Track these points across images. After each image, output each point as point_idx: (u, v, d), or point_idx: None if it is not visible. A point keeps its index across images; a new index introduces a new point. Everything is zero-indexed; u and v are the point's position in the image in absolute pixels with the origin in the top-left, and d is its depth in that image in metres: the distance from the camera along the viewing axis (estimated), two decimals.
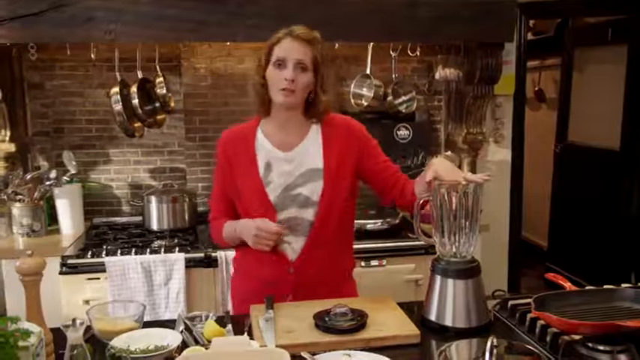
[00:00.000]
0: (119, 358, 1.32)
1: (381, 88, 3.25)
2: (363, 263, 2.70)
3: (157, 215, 3.05)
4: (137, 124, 3.06)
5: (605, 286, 1.66)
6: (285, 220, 1.79)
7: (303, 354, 1.36)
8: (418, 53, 3.27)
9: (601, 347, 1.35)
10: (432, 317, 1.60)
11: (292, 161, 1.81)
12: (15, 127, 3.00)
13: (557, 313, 1.43)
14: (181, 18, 2.67)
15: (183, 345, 1.48)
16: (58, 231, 2.96)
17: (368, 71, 3.20)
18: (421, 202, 1.70)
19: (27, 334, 1.26)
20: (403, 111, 3.27)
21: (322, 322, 1.54)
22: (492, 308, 1.69)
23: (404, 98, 3.29)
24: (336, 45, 3.00)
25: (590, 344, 1.37)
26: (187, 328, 1.58)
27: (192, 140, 3.27)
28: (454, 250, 1.62)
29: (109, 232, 3.04)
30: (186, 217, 3.09)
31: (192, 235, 2.98)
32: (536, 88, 5.64)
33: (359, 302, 1.67)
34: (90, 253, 2.64)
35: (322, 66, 1.77)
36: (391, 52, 3.21)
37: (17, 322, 1.29)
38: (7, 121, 2.94)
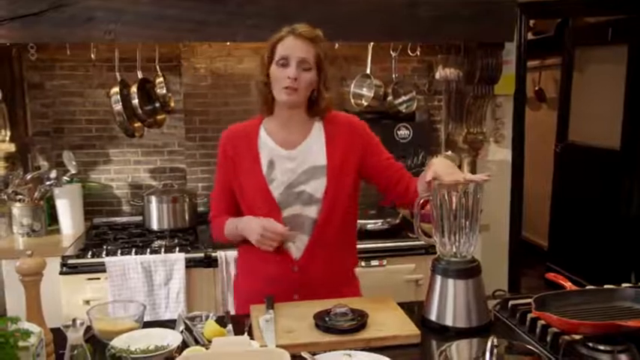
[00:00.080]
0: (119, 358, 1.32)
1: (381, 88, 3.25)
2: (363, 263, 2.70)
3: (157, 215, 3.05)
4: (137, 124, 3.06)
5: (606, 286, 1.66)
6: (289, 218, 1.79)
7: (304, 354, 1.36)
8: (418, 53, 3.27)
9: (601, 347, 1.35)
10: (433, 317, 1.60)
11: (295, 159, 1.81)
12: (15, 127, 3.00)
13: (557, 313, 1.43)
14: (181, 18, 2.67)
15: (184, 345, 1.48)
16: (58, 231, 2.96)
17: (368, 71, 3.20)
18: (421, 201, 1.70)
19: (27, 334, 1.26)
20: (403, 111, 3.27)
21: (322, 322, 1.54)
22: (493, 308, 1.69)
23: (404, 98, 3.29)
24: (336, 45, 3.00)
25: (590, 344, 1.36)
26: (187, 328, 1.58)
27: (192, 140, 3.27)
28: (454, 249, 1.62)
29: (109, 232, 3.04)
30: (187, 217, 3.09)
31: (192, 235, 2.98)
32: (537, 88, 5.64)
33: (359, 302, 1.67)
34: (90, 253, 2.64)
35: (325, 64, 1.77)
36: (391, 52, 3.21)
37: (17, 322, 1.29)
38: (7, 121, 2.94)
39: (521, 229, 3.80)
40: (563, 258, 4.84)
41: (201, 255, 2.67)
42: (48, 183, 2.90)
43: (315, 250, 1.81)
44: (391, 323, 1.58)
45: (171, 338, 1.47)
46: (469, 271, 1.60)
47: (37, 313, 1.42)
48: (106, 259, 2.57)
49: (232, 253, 2.59)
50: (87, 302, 2.54)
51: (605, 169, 4.35)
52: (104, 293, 2.57)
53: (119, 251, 2.65)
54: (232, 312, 2.00)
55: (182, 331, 1.56)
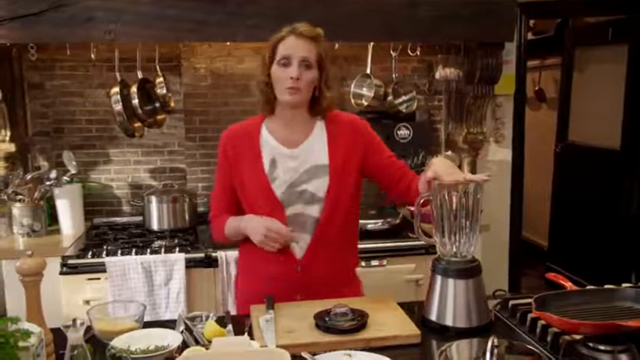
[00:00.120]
0: (119, 358, 1.32)
1: (381, 88, 3.25)
2: (363, 263, 2.69)
3: (157, 215, 3.05)
4: (137, 124, 3.06)
5: (606, 286, 1.66)
6: (291, 217, 1.79)
7: (304, 354, 1.36)
8: (418, 53, 3.26)
9: (602, 347, 1.35)
10: (433, 317, 1.60)
11: (297, 158, 1.81)
12: (15, 127, 3.00)
13: (557, 312, 1.43)
14: (181, 18, 2.67)
15: (184, 345, 1.48)
16: (58, 231, 2.96)
17: (368, 71, 3.20)
18: (421, 201, 1.70)
19: (27, 334, 1.26)
20: (403, 111, 3.27)
21: (323, 322, 1.54)
22: (493, 308, 1.69)
23: (404, 98, 3.29)
24: (336, 45, 3.00)
25: (590, 344, 1.36)
26: (188, 329, 1.58)
27: (192, 140, 3.27)
28: (455, 249, 1.62)
29: (110, 233, 3.04)
30: (187, 217, 3.09)
31: (192, 235, 2.98)
32: (537, 88, 5.64)
33: (359, 302, 1.67)
34: (90, 253, 2.64)
35: (326, 62, 1.78)
36: (391, 52, 3.21)
37: (17, 322, 1.29)
38: (7, 121, 2.94)
39: (521, 229, 3.80)
40: (564, 258, 4.84)
41: (202, 255, 2.67)
42: (48, 183, 2.90)
43: (317, 250, 1.81)
44: (391, 323, 1.58)
45: (171, 338, 1.47)
46: (469, 271, 1.60)
47: (37, 314, 1.42)
48: (106, 259, 2.57)
49: (232, 253, 2.59)
50: (87, 302, 2.54)
51: (605, 169, 4.34)
52: (104, 293, 2.57)
53: (119, 251, 2.65)
54: (232, 312, 2.00)
55: (182, 332, 1.56)
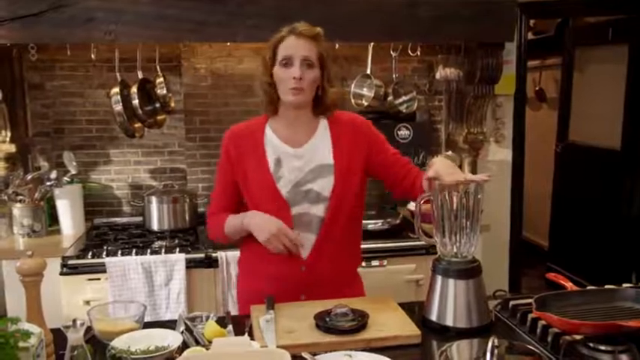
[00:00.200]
0: (120, 358, 1.32)
1: (381, 88, 3.25)
2: (364, 263, 2.67)
3: (157, 216, 3.05)
4: (137, 125, 3.06)
5: (607, 286, 1.66)
6: (296, 217, 1.79)
7: (304, 354, 1.36)
8: (419, 53, 3.26)
9: (602, 347, 1.35)
10: (433, 317, 1.60)
11: (302, 157, 1.82)
12: (15, 128, 3.00)
13: (558, 313, 1.43)
14: (181, 18, 2.67)
15: (184, 345, 1.48)
16: (58, 231, 2.96)
17: (368, 71, 3.20)
18: (422, 201, 1.70)
19: (27, 334, 1.26)
20: (404, 111, 3.27)
21: (323, 322, 1.54)
22: (493, 308, 1.69)
23: (404, 98, 3.29)
24: (337, 45, 3.00)
25: (591, 344, 1.36)
26: (188, 329, 1.58)
27: (192, 140, 3.27)
28: (455, 250, 1.62)
29: (110, 233, 3.04)
30: (187, 218, 3.09)
31: (192, 235, 2.98)
32: (537, 88, 5.63)
33: (360, 302, 1.67)
34: (90, 253, 2.64)
35: (327, 61, 1.78)
36: (391, 52, 3.21)
37: (17, 322, 1.29)
38: (7, 122, 2.94)
39: (521, 229, 3.80)
40: (564, 258, 4.83)
41: (202, 255, 2.67)
42: (48, 183, 2.90)
43: (322, 249, 1.81)
44: (392, 323, 1.58)
45: (171, 339, 1.47)
46: (470, 271, 1.60)
47: (38, 314, 1.42)
48: (107, 260, 2.57)
49: (233, 254, 2.59)
50: (87, 303, 2.54)
51: (606, 169, 4.34)
52: (104, 294, 2.57)
53: (119, 252, 2.65)
54: (233, 312, 2.00)
55: (182, 332, 1.56)
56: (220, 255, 2.63)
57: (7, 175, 2.95)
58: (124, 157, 3.30)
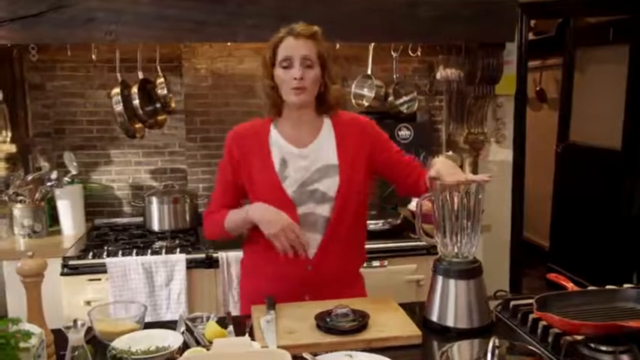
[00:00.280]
0: (120, 359, 1.32)
1: (382, 89, 3.25)
2: (364, 264, 2.69)
3: (158, 216, 3.04)
4: (138, 125, 3.06)
5: (608, 287, 1.66)
6: (302, 217, 1.79)
7: (305, 355, 1.36)
8: (419, 53, 3.26)
9: (603, 348, 1.35)
10: (434, 318, 1.60)
11: (307, 157, 1.82)
12: (16, 128, 3.00)
13: (559, 313, 1.43)
14: (181, 18, 2.67)
15: (185, 346, 1.48)
16: (59, 232, 2.96)
17: (369, 72, 3.20)
18: (423, 201, 1.70)
19: (28, 335, 1.26)
20: (404, 111, 3.27)
21: (324, 322, 1.54)
22: (494, 309, 1.69)
23: (405, 98, 3.29)
24: (337, 45, 3.00)
25: (592, 345, 1.36)
26: (188, 329, 1.58)
27: (193, 141, 3.27)
28: (456, 250, 1.62)
29: (110, 233, 3.04)
30: (188, 218, 3.09)
31: (193, 236, 2.98)
32: (538, 88, 5.63)
33: (360, 303, 1.67)
34: (91, 254, 2.64)
35: (327, 58, 1.78)
36: (392, 53, 3.21)
37: (18, 323, 1.29)
38: (8, 122, 2.93)
39: (522, 229, 3.80)
40: (565, 258, 4.83)
41: (203, 256, 2.66)
42: (49, 184, 2.90)
43: (328, 249, 1.81)
44: (392, 324, 1.58)
45: (172, 339, 1.47)
46: (470, 271, 1.60)
47: (38, 314, 1.42)
48: (107, 260, 2.57)
49: (234, 254, 2.60)
50: (88, 303, 2.54)
51: (607, 170, 4.34)
52: (105, 294, 2.57)
53: (120, 252, 2.65)
54: (234, 313, 2.00)
55: (183, 332, 1.56)
56: (221, 255, 2.63)
57: (8, 176, 2.95)
58: (125, 157, 3.30)
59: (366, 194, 1.91)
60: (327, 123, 1.87)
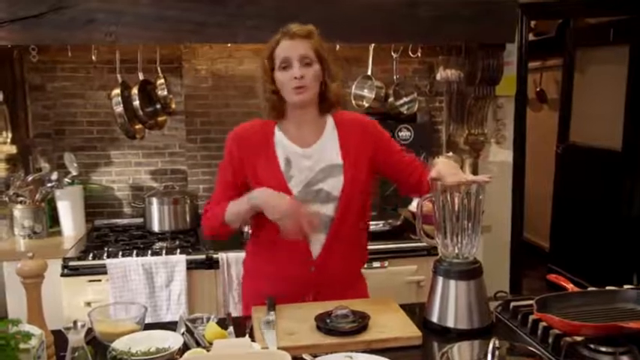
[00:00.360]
0: None
1: (382, 90, 3.25)
2: (365, 265, 2.69)
3: (158, 217, 3.04)
4: (138, 126, 3.06)
5: (608, 288, 1.66)
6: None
7: (305, 356, 1.36)
8: (419, 54, 3.26)
9: (603, 349, 1.34)
10: (434, 319, 1.60)
11: (311, 157, 1.82)
12: (16, 129, 3.00)
13: (559, 314, 1.43)
14: (181, 19, 2.67)
15: (185, 347, 1.48)
16: (59, 233, 2.96)
17: (369, 72, 3.20)
18: (423, 202, 1.70)
19: (28, 336, 1.26)
20: (404, 112, 3.27)
21: (324, 324, 1.54)
22: (494, 310, 1.69)
23: (405, 99, 3.29)
24: (337, 46, 3.00)
25: (592, 346, 1.36)
26: (189, 330, 1.58)
27: (193, 142, 3.27)
28: (456, 251, 1.62)
29: (111, 234, 3.04)
30: (188, 219, 3.09)
31: (193, 236, 2.98)
32: (538, 89, 5.63)
33: (361, 304, 1.67)
34: (91, 255, 2.64)
35: (325, 55, 1.79)
36: (392, 54, 3.21)
37: (18, 324, 1.29)
38: (8, 123, 2.94)
39: (522, 230, 3.80)
40: (565, 259, 4.83)
41: (203, 257, 2.66)
42: (49, 185, 2.90)
43: (332, 248, 1.81)
44: (393, 325, 1.57)
45: (172, 340, 1.47)
46: (471, 272, 1.60)
47: (38, 315, 1.42)
48: (107, 261, 2.57)
49: (234, 255, 2.60)
50: (88, 304, 2.54)
51: (607, 170, 4.34)
52: (105, 295, 2.57)
53: (120, 253, 2.65)
54: (234, 314, 1.99)
55: (183, 333, 1.56)
56: (221, 256, 2.63)
57: (8, 177, 2.95)
58: (125, 158, 3.30)
59: (369, 194, 1.91)
60: (330, 122, 1.87)
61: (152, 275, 2.59)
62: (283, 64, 1.75)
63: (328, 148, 1.83)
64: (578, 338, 1.40)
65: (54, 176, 2.91)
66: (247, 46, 3.11)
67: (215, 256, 2.65)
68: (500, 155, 3.58)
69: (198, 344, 1.50)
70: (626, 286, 1.71)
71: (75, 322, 1.24)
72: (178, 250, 2.69)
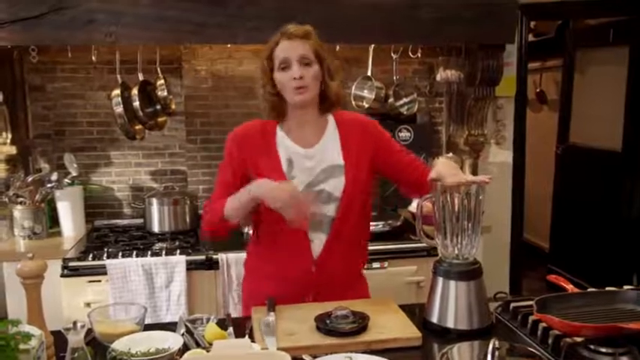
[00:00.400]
0: None
1: (382, 90, 3.25)
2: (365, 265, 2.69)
3: (158, 217, 3.04)
4: (138, 127, 3.06)
5: (608, 288, 1.66)
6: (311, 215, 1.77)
7: (305, 357, 1.36)
8: (419, 55, 3.26)
9: (603, 350, 1.34)
10: (434, 319, 1.60)
11: (313, 158, 1.82)
12: (16, 130, 3.00)
13: (559, 315, 1.43)
14: (181, 20, 2.67)
15: (185, 348, 1.48)
16: (59, 233, 2.96)
17: (369, 73, 3.20)
18: (423, 202, 1.70)
19: (28, 337, 1.26)
20: (404, 113, 3.27)
21: (323, 324, 1.54)
22: (494, 310, 1.69)
23: (405, 100, 3.29)
24: (337, 47, 3.00)
25: (592, 346, 1.36)
26: (188, 331, 1.58)
27: (193, 142, 3.28)
28: (456, 251, 1.62)
29: (110, 235, 3.04)
30: (188, 220, 3.09)
31: (193, 237, 2.98)
32: (538, 90, 5.63)
33: (360, 305, 1.67)
34: (91, 255, 2.64)
35: (324, 55, 1.79)
36: (392, 54, 3.21)
37: (18, 325, 1.29)
38: (8, 124, 2.94)
39: (522, 230, 3.80)
40: (565, 260, 4.83)
41: (203, 257, 2.66)
42: (49, 185, 2.90)
43: (333, 248, 1.81)
44: (392, 326, 1.57)
45: (172, 341, 1.47)
46: (471, 273, 1.60)
47: (38, 316, 1.42)
48: (107, 262, 2.57)
49: (233, 256, 2.60)
50: (88, 305, 2.54)
51: (607, 171, 4.34)
52: (105, 296, 2.57)
53: (120, 254, 2.65)
54: (234, 314, 2.00)
55: (183, 334, 1.56)
56: (221, 257, 2.63)
57: (8, 177, 2.95)
58: (125, 159, 3.30)
59: (369, 194, 1.91)
60: (331, 122, 1.87)
61: (152, 276, 2.59)
62: (282, 65, 1.75)
63: (330, 148, 1.84)
64: (578, 339, 1.40)
65: (54, 177, 2.91)
66: (247, 47, 3.11)
67: (215, 256, 2.65)
68: (500, 156, 3.58)
69: (197, 345, 1.51)
70: (626, 287, 1.71)
71: (75, 323, 1.24)
72: (178, 251, 2.69)
